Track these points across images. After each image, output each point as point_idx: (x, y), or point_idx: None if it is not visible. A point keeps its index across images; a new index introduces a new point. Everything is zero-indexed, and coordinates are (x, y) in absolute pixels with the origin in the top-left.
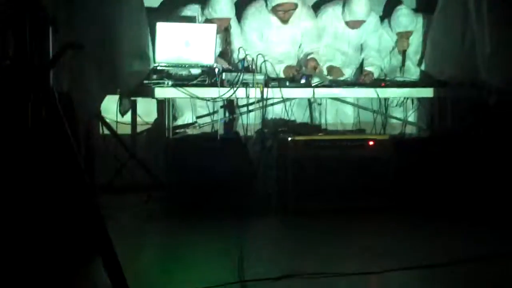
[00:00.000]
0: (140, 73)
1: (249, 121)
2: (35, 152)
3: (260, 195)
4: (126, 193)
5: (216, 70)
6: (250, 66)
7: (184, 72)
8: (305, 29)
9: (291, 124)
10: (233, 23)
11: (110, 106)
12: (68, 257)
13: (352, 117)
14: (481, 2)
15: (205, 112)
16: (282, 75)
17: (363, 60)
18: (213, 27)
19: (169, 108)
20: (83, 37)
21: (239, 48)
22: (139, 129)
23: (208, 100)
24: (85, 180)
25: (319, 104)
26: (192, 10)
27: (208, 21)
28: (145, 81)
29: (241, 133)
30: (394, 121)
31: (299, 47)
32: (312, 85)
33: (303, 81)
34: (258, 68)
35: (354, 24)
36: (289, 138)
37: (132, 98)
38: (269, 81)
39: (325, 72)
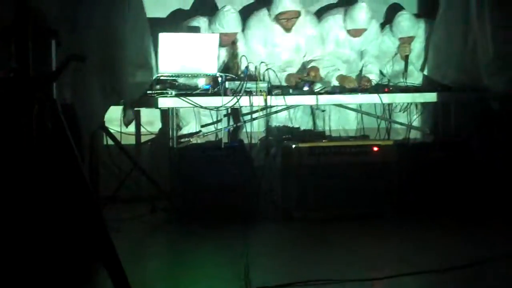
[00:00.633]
0: (143, 83)
1: (253, 129)
2: (40, 163)
3: (265, 203)
4: (131, 204)
5: (219, 79)
6: (254, 74)
7: (191, 83)
8: (309, 37)
9: (295, 131)
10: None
11: (114, 116)
12: (73, 270)
13: (355, 123)
14: (482, 7)
15: (209, 121)
16: (284, 83)
17: (362, 66)
18: (216, 36)
19: (173, 117)
20: (85, 49)
21: (241, 57)
22: (143, 139)
23: (212, 109)
24: (89, 191)
25: (323, 111)
26: (199, 22)
27: None
28: (149, 92)
29: (246, 141)
30: (398, 126)
31: (304, 56)
32: (315, 91)
33: (305, 88)
34: (261, 76)
35: (355, 33)
36: (293, 146)
37: (136, 109)
38: (272, 89)
39: (335, 82)
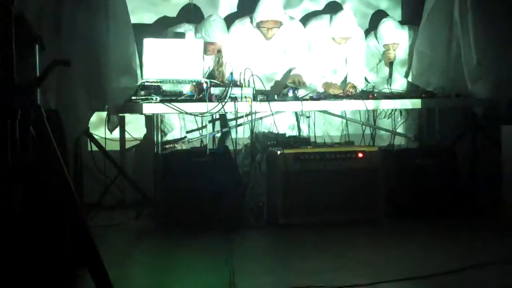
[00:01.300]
0: (128, 89)
1: (238, 135)
2: (25, 170)
3: (250, 209)
4: (115, 210)
5: (204, 85)
6: (238, 81)
7: (175, 88)
8: (293, 44)
9: (280, 137)
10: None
11: (98, 122)
12: (58, 275)
13: (340, 130)
14: (465, 14)
15: (194, 127)
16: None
17: (347, 73)
18: (200, 42)
19: (158, 123)
20: (70, 54)
21: (225, 63)
22: (128, 145)
23: (197, 115)
24: (74, 197)
25: (308, 117)
26: (184, 29)
27: None
28: (133, 97)
29: (231, 147)
30: (382, 132)
31: (289, 62)
32: (299, 98)
33: (290, 94)
34: (246, 83)
35: (340, 40)
36: (279, 152)
37: (120, 115)
38: (257, 95)
39: (321, 89)
